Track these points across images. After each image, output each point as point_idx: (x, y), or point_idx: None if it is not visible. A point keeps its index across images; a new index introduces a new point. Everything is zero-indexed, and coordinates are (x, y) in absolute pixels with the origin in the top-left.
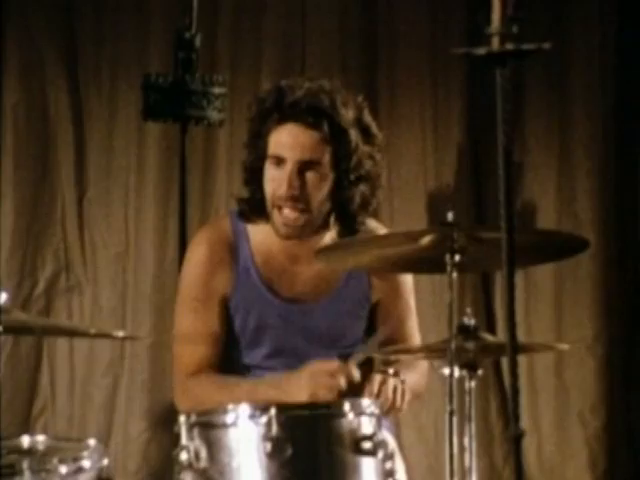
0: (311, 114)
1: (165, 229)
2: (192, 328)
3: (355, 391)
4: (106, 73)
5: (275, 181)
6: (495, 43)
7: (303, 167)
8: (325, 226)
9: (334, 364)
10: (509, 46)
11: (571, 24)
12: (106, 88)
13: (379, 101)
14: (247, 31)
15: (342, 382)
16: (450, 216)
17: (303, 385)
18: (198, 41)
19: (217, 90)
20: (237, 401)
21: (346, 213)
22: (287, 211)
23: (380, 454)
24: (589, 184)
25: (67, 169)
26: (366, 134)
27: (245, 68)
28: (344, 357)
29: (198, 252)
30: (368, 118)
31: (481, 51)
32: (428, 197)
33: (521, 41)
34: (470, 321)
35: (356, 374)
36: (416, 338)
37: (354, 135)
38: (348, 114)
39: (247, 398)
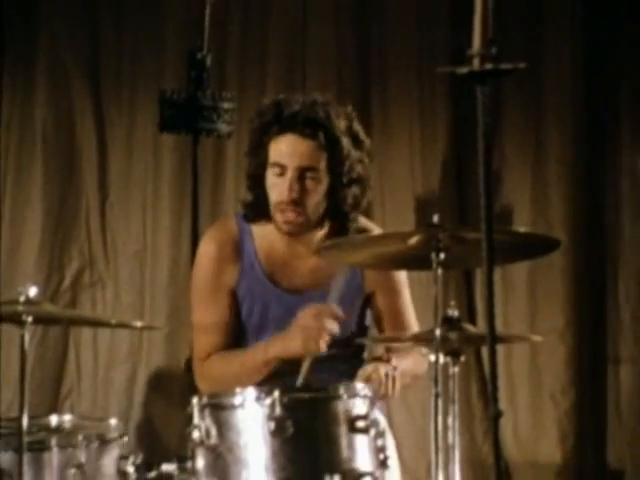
0: (308, 125)
1: (179, 230)
2: (204, 316)
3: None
4: (126, 89)
5: (277, 187)
6: (476, 63)
7: (302, 173)
8: (320, 223)
9: (316, 306)
10: (488, 66)
11: (544, 45)
12: (126, 103)
13: (372, 116)
14: (253, 52)
15: (329, 322)
16: (435, 218)
17: (295, 337)
18: (209, 61)
19: (226, 105)
20: (245, 367)
21: (339, 212)
22: (288, 213)
23: (372, 432)
24: (560, 189)
25: (91, 176)
26: (356, 141)
27: (251, 85)
28: (340, 343)
29: (208, 249)
30: (357, 126)
31: (463, 70)
32: (416, 201)
33: (499, 61)
34: (453, 313)
35: (339, 312)
36: (414, 328)
37: (346, 142)
38: (340, 124)
39: (253, 362)
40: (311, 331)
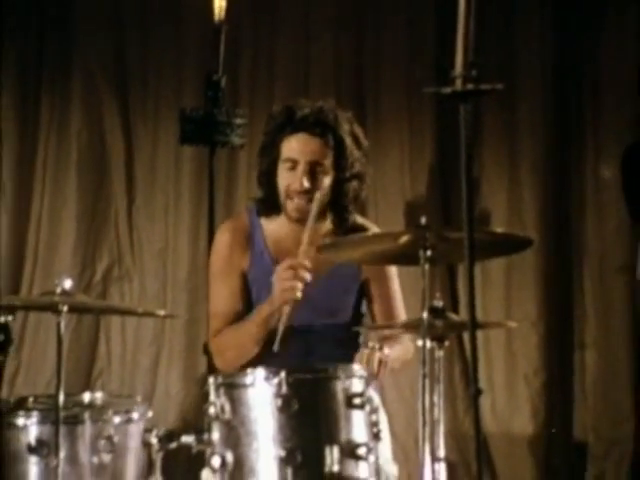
0: (317, 126)
1: (197, 229)
2: (219, 295)
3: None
4: (151, 107)
5: (289, 178)
6: (458, 84)
7: (312, 167)
8: (323, 215)
9: (286, 261)
10: (470, 86)
11: (517, 65)
12: (151, 119)
13: (366, 129)
14: (262, 75)
15: (299, 272)
16: (423, 220)
17: (275, 289)
18: (223, 82)
19: (238, 121)
20: (248, 332)
21: (340, 204)
22: (298, 201)
23: (367, 408)
24: (532, 194)
25: (119, 182)
26: (357, 142)
27: (261, 103)
28: (340, 326)
29: (223, 237)
30: (358, 129)
31: (447, 90)
32: (405, 205)
33: (479, 82)
34: (439, 303)
35: (307, 263)
36: (402, 315)
37: (349, 142)
38: (345, 126)
39: (255, 324)
40: (286, 282)
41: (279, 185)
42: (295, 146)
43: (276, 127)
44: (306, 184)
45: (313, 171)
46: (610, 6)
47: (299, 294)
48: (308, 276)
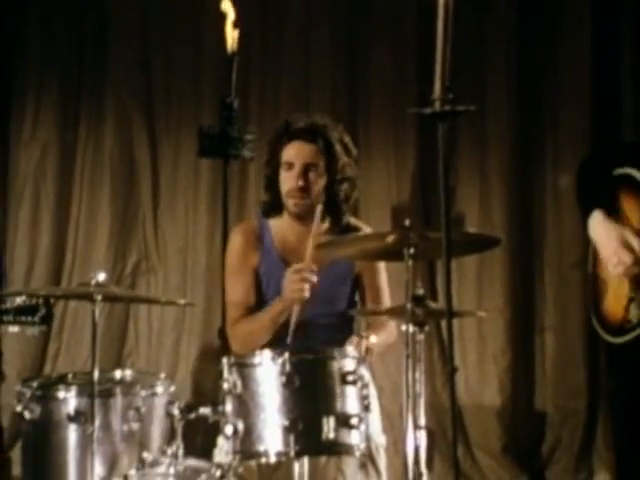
0: (310, 133)
1: (213, 230)
2: (234, 289)
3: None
4: (173, 125)
5: (288, 179)
6: (437, 106)
7: (306, 169)
8: (322, 218)
9: (295, 265)
10: (447, 108)
11: (487, 88)
12: (173, 135)
13: (358, 143)
14: (269, 97)
15: (306, 274)
16: (407, 222)
17: (285, 290)
18: (236, 104)
19: (249, 137)
20: (261, 324)
21: (334, 204)
22: (297, 198)
23: (359, 384)
24: (500, 200)
25: (146, 189)
26: (346, 149)
27: (268, 122)
28: (337, 313)
29: (236, 238)
30: (347, 138)
31: (427, 111)
32: (392, 209)
33: (455, 104)
34: (420, 293)
35: (313, 266)
36: (388, 303)
37: (339, 148)
38: (334, 134)
39: (268, 319)
40: (294, 284)
41: (281, 186)
42: (291, 152)
43: (276, 138)
44: (300, 182)
45: (307, 172)
46: (565, 31)
47: (307, 294)
48: (314, 278)
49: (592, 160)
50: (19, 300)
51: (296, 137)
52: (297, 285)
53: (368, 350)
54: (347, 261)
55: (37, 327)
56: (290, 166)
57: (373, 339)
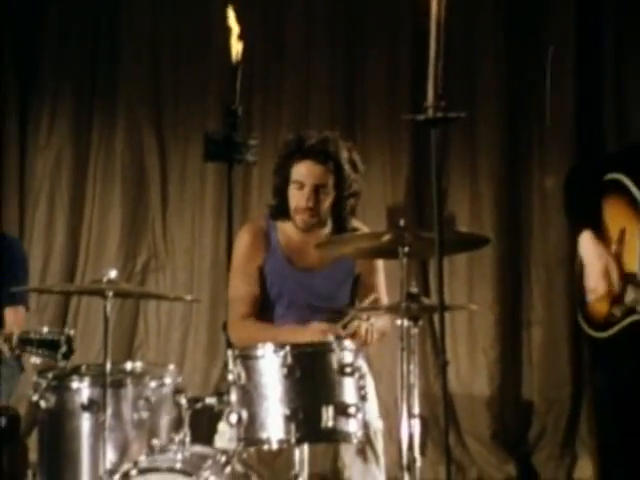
0: (322, 154)
1: (218, 231)
2: (239, 286)
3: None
4: (181, 131)
5: (297, 197)
6: (430, 112)
7: (316, 189)
8: (325, 223)
9: (326, 327)
10: (439, 115)
11: (477, 96)
12: (181, 141)
13: (356, 148)
14: (271, 104)
15: (330, 338)
16: (401, 222)
17: (306, 337)
18: (240, 111)
19: (252, 142)
20: (269, 339)
21: (340, 217)
22: (305, 216)
23: (356, 375)
24: (489, 202)
25: (155, 192)
26: (354, 167)
27: (270, 128)
28: (336, 312)
29: (244, 237)
30: (356, 156)
31: (421, 117)
32: (387, 210)
33: (447, 111)
34: (414, 290)
35: (340, 332)
36: (385, 300)
37: (347, 168)
38: (344, 155)
39: (274, 338)
40: (321, 334)
41: (290, 201)
42: (303, 171)
43: (289, 153)
44: (310, 203)
45: (317, 192)
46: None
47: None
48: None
49: (579, 168)
50: (44, 331)
51: (308, 156)
52: (322, 335)
53: (368, 331)
54: (349, 261)
55: (58, 363)
56: (301, 186)
57: (372, 320)
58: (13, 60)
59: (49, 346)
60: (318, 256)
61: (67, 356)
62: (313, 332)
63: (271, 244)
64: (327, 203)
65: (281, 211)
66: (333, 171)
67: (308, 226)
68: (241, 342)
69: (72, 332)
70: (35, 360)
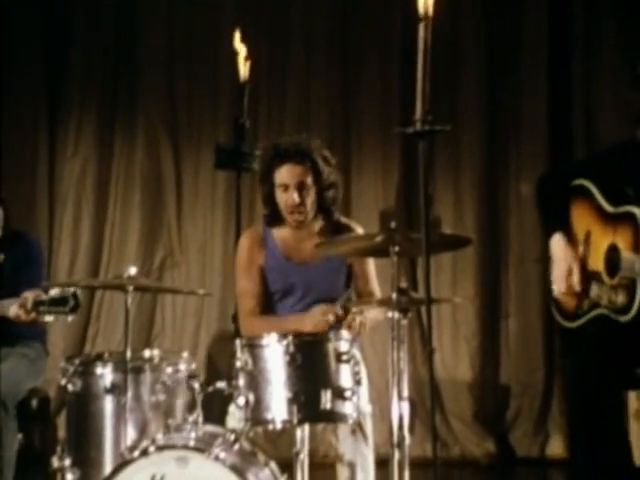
0: (297, 155)
1: (228, 232)
2: (244, 284)
3: (340, 321)
4: (194, 142)
5: (285, 198)
6: (418, 125)
7: (299, 187)
8: (315, 217)
9: (326, 307)
10: (427, 127)
11: (460, 108)
12: (194, 151)
13: (351, 157)
14: (275, 118)
15: (330, 317)
16: (392, 224)
17: (309, 321)
18: (247, 124)
19: (258, 152)
20: (276, 330)
21: (325, 207)
22: (295, 214)
23: (351, 362)
24: (471, 205)
25: (171, 197)
26: (326, 161)
27: (275, 138)
28: (332, 300)
29: (244, 242)
30: (326, 152)
31: (410, 130)
32: (379, 213)
33: (434, 124)
34: (404, 285)
35: (339, 310)
36: (377, 288)
37: (321, 162)
38: (316, 151)
39: (280, 328)
40: (320, 322)
41: (279, 204)
42: (285, 173)
43: (268, 160)
44: (297, 200)
45: (301, 189)
46: (524, 64)
47: (326, 329)
48: (332, 318)
49: (550, 175)
50: (52, 292)
51: (286, 159)
52: (322, 323)
53: (362, 324)
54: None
55: (68, 316)
56: (286, 187)
57: (365, 314)
58: (44, 78)
59: (58, 303)
60: (311, 250)
61: (74, 310)
62: (315, 315)
63: (269, 245)
64: (311, 199)
65: (274, 218)
66: (310, 168)
67: (300, 223)
68: (250, 333)
69: (77, 290)
70: (49, 318)
